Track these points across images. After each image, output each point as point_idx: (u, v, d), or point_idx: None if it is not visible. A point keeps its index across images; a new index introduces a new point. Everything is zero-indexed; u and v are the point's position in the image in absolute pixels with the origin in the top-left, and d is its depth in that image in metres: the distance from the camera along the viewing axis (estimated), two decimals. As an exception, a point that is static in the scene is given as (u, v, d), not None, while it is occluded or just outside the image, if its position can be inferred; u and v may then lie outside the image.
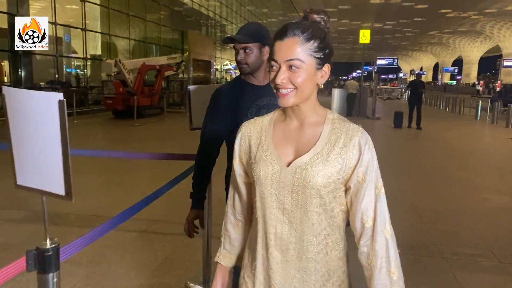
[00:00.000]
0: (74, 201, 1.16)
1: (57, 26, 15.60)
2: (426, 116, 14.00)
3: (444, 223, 4.53)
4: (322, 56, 1.12)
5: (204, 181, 2.05)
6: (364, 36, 17.87)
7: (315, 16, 1.16)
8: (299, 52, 1.09)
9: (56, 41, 15.75)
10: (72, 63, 20.64)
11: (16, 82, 13.40)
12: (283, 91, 1.11)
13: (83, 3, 17.03)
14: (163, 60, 17.19)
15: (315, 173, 1.11)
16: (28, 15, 13.40)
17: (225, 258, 1.37)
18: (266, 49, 1.91)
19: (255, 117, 1.29)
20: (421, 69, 74.23)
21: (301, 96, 1.12)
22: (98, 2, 18.41)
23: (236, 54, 1.91)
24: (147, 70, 15.76)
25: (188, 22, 26.39)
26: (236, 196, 1.33)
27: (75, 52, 19.38)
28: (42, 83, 16.03)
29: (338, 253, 1.20)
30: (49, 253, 1.23)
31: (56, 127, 1.09)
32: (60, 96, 1.08)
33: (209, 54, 27.06)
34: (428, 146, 10.42)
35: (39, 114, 1.11)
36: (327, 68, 1.14)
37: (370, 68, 31.47)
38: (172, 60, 17.63)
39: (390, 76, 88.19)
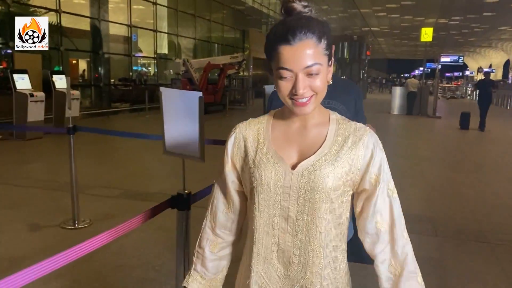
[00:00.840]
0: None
1: (126, 27, 16.87)
2: (494, 117, 13.65)
3: (494, 215, 4.81)
4: (330, 51, 1.03)
5: None
6: (426, 34, 17.67)
7: (299, 7, 1.04)
8: (315, 55, 0.98)
9: (128, 41, 17.10)
10: (139, 61, 22.14)
11: (96, 80, 14.78)
12: (303, 100, 1.01)
13: (154, 5, 18.30)
14: (225, 59, 18.07)
15: (324, 175, 1.03)
16: (107, 19, 14.76)
17: (194, 282, 1.22)
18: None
19: (250, 119, 1.18)
20: (490, 66, 70.24)
21: (320, 99, 1.04)
22: (165, 4, 19.63)
23: None
24: (211, 69, 16.70)
25: (249, 21, 27.22)
26: (221, 207, 1.20)
27: (141, 51, 20.79)
28: (112, 80, 17.44)
29: (345, 267, 1.13)
30: (185, 197, 1.86)
31: (195, 114, 1.71)
32: (200, 94, 1.69)
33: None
34: (492, 147, 10.35)
35: (185, 105, 1.74)
36: (331, 62, 1.05)
37: (433, 66, 30.65)
38: (234, 59, 18.47)
39: (456, 74, 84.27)
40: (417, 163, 7.68)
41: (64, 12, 12.40)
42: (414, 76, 25.14)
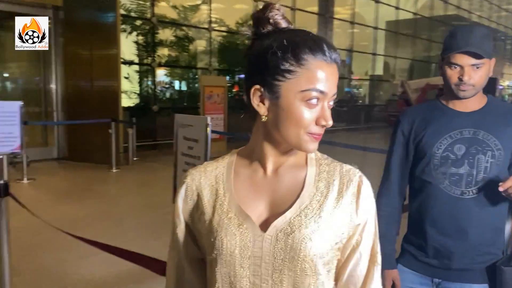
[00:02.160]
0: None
1: (344, 51, 17.83)
2: None
3: None
4: None
5: (396, 229, 1.62)
6: None
7: (280, 18, 0.84)
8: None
9: (343, 64, 18.10)
10: (352, 83, 22.94)
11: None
12: (322, 132, 0.81)
13: (375, 30, 18.94)
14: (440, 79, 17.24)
15: (306, 237, 0.79)
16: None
17: None
18: (493, 63, 1.47)
19: (206, 163, 0.93)
20: None
21: None
22: (384, 27, 20.01)
23: (456, 72, 1.43)
24: (430, 90, 16.24)
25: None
26: (184, 277, 0.93)
27: (352, 73, 21.51)
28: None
29: None
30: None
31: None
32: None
33: (495, 69, 24.95)
34: None
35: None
36: None
37: None
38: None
39: None
40: None
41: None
42: None
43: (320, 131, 0.81)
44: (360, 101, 20.74)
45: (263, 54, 0.81)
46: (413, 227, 1.59)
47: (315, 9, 15.72)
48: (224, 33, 12.31)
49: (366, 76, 20.37)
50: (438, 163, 1.48)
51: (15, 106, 3.42)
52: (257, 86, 0.82)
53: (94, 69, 7.98)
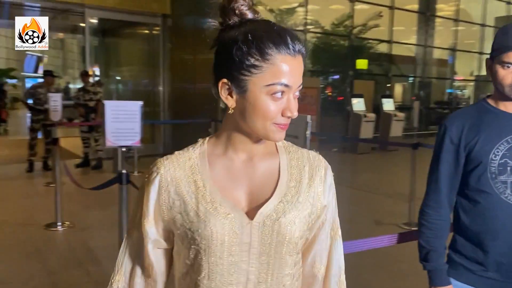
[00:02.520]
0: None
1: (445, 50, 16.77)
2: None
3: None
4: None
5: (445, 242, 1.53)
6: None
7: (246, 9, 0.86)
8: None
9: (446, 64, 17.04)
10: (454, 84, 21.39)
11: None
12: (288, 122, 0.86)
13: (482, 27, 17.59)
14: None
15: (291, 222, 0.87)
16: (431, 44, 15.28)
17: None
18: None
19: (176, 153, 0.93)
20: None
21: None
22: (492, 24, 18.46)
23: (510, 72, 1.36)
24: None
25: None
26: (138, 272, 0.95)
27: (455, 73, 20.05)
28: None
29: None
30: None
31: None
32: None
33: None
34: None
35: None
36: None
37: None
38: None
39: None
40: None
41: (395, 42, 13.67)
42: None
43: (286, 121, 0.85)
44: (464, 103, 19.38)
45: (229, 48, 0.82)
46: (466, 240, 1.48)
47: (415, 7, 15.03)
48: (319, 35, 12.36)
49: (471, 77, 18.97)
50: (496, 171, 1.39)
51: (137, 105, 3.92)
52: (225, 80, 0.84)
53: (197, 72, 8.56)
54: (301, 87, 0.85)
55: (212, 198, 0.87)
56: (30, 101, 7.34)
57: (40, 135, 7.36)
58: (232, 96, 0.86)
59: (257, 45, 0.81)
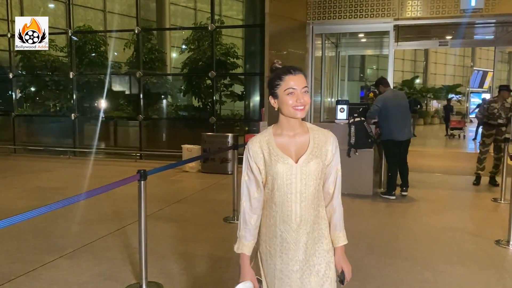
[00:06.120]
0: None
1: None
2: None
3: None
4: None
5: None
6: None
7: (277, 65, 1.82)
8: (305, 81, 1.75)
9: None
10: None
11: None
12: (302, 107, 1.71)
13: None
14: None
15: (313, 165, 1.75)
16: None
17: (246, 247, 1.82)
18: None
19: (259, 134, 1.83)
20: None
21: (307, 109, 1.74)
22: None
23: None
24: None
25: None
26: (254, 193, 1.82)
27: None
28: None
29: (325, 214, 1.85)
30: None
31: None
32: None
33: None
34: None
35: None
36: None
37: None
38: None
39: None
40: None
41: None
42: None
43: (301, 105, 1.71)
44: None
45: (271, 80, 1.77)
46: None
47: None
48: None
49: None
50: None
51: None
52: (271, 96, 1.78)
53: None
54: (306, 87, 1.73)
55: (277, 154, 1.76)
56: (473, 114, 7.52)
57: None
58: (275, 102, 1.77)
59: (277, 75, 1.74)
